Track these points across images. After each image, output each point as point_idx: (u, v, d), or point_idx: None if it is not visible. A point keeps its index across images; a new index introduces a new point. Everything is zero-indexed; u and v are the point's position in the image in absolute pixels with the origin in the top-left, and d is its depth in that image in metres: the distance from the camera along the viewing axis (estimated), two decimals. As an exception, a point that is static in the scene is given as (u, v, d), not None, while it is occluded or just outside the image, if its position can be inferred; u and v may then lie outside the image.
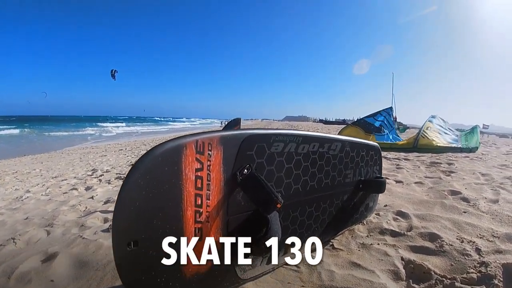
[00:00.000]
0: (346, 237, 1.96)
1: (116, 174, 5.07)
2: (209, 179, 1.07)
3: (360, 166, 1.94)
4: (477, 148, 7.52)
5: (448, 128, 9.18)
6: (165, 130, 36.73)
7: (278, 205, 1.11)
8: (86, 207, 2.99)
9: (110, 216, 2.55)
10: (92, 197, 3.36)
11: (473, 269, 1.51)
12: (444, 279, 1.44)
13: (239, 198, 1.20)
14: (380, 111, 10.48)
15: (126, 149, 11.76)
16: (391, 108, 10.90)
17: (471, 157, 6.15)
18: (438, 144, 7.66)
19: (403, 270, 1.52)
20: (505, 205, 2.56)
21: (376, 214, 2.34)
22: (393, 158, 6.04)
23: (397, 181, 3.75)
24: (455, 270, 1.52)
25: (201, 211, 1.06)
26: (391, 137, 9.72)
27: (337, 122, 50.41)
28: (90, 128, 33.85)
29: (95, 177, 4.92)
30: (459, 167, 4.72)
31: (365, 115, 10.57)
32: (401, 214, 2.33)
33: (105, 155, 9.26)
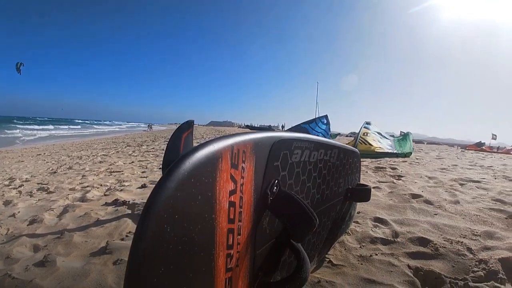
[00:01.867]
0: (339, 250, 1.91)
1: (38, 184, 4.37)
2: (241, 204, 0.79)
3: (348, 174, 1.85)
4: (411, 153, 8.18)
5: (383, 134, 9.84)
6: (89, 133, 33.80)
7: (314, 228, 0.90)
8: (8, 230, 2.42)
9: (41, 242, 2.11)
10: (13, 215, 2.77)
11: (476, 268, 1.59)
12: (457, 281, 1.49)
13: (265, 225, 0.95)
14: (315, 119, 10.84)
15: (44, 153, 10.46)
16: (326, 116, 11.32)
17: (409, 162, 6.63)
18: (377, 150, 8.14)
19: (416, 279, 1.53)
20: (467, 205, 2.76)
21: (355, 222, 2.31)
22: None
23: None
24: (460, 271, 1.59)
25: (232, 253, 0.77)
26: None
27: (263, 128, 52.01)
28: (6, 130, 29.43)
29: (13, 188, 4.16)
30: (403, 171, 5.02)
31: (302, 122, 10.83)
32: (379, 220, 2.37)
33: (22, 161, 8.09)
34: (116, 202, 2.72)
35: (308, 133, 10.27)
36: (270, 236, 0.97)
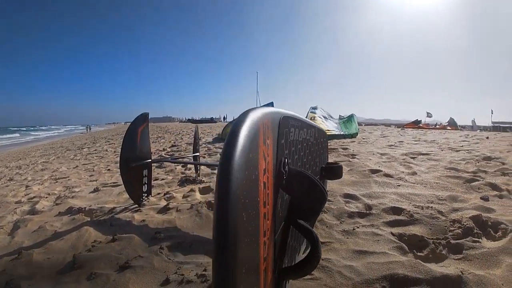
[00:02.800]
0: (321, 228, 1.99)
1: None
2: (268, 185, 0.71)
3: (321, 153, 1.88)
4: (357, 134, 8.58)
5: (330, 117, 10.20)
6: (25, 141, 30.02)
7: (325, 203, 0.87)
8: None
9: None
10: None
11: (452, 227, 1.75)
12: (439, 240, 1.61)
13: (279, 207, 0.87)
14: (262, 106, 11.00)
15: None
16: (272, 103, 11.51)
17: (357, 142, 6.98)
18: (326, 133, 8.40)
19: (403, 244, 1.63)
20: (424, 175, 3.00)
21: (327, 200, 2.34)
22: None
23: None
24: (439, 232, 1.73)
25: (265, 241, 0.70)
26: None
27: (205, 121, 51.63)
28: None
29: None
30: (355, 150, 5.28)
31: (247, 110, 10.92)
32: (349, 196, 2.47)
33: None
34: (70, 211, 2.49)
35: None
36: (281, 219, 0.91)
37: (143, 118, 2.61)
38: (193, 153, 3.49)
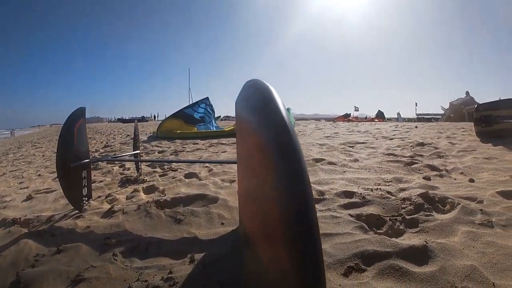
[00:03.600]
0: None
1: None
2: None
3: None
4: (293, 126, 8.83)
5: None
6: None
7: None
8: None
9: None
10: None
11: (404, 204, 1.87)
12: (395, 217, 1.71)
13: None
14: (198, 102, 10.86)
15: None
16: (207, 98, 11.36)
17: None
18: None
19: (363, 223, 1.68)
20: (366, 161, 3.18)
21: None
22: (232, 143, 6.32)
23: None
24: (392, 210, 1.83)
25: None
26: (214, 127, 10.26)
27: (133, 120, 50.10)
28: None
29: None
30: None
31: (183, 107, 10.68)
32: None
33: None
34: (4, 223, 2.13)
35: (194, 117, 10.17)
36: None
37: (80, 113, 2.35)
38: (134, 151, 3.26)
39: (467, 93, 23.20)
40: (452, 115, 21.06)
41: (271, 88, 0.79)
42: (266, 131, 0.67)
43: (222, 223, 1.80)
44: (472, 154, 3.49)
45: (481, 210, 1.75)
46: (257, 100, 0.82)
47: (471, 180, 2.35)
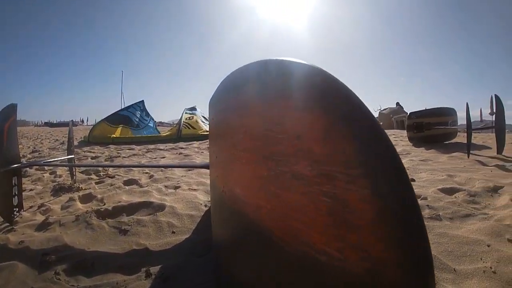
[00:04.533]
0: None
1: None
2: None
3: None
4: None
5: (200, 113, 10.31)
6: None
7: None
8: None
9: None
10: None
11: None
12: None
13: None
14: (133, 105, 10.46)
15: None
16: (142, 101, 11.00)
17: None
18: (201, 133, 8.52)
19: None
20: None
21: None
22: (170, 149, 6.17)
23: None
24: None
25: None
26: (149, 131, 9.94)
27: (65, 124, 46.92)
28: None
29: None
30: None
31: (117, 110, 10.24)
32: None
33: None
34: None
35: (130, 119, 9.74)
36: None
37: (11, 111, 2.09)
38: (68, 156, 2.98)
39: (397, 103, 24.96)
40: (382, 123, 22.63)
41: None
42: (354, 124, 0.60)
43: (173, 232, 1.74)
44: (407, 157, 3.86)
45: (428, 205, 1.96)
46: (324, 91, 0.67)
47: (412, 180, 2.61)
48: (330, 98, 0.59)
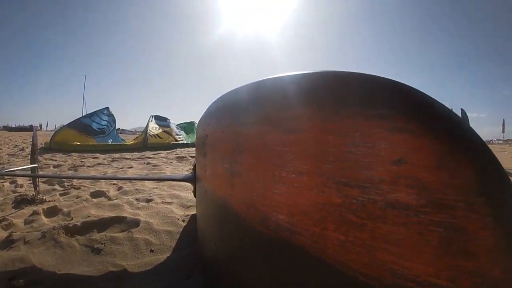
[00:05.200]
0: None
1: None
2: None
3: None
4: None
5: (174, 125, 10.08)
6: None
7: None
8: None
9: None
10: None
11: None
12: None
13: None
14: (97, 111, 10.04)
15: None
16: (107, 108, 10.61)
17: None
18: (171, 142, 8.33)
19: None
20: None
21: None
22: (137, 158, 5.96)
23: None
24: None
25: None
26: (114, 139, 9.57)
27: (23, 128, 44.67)
28: None
29: None
30: None
31: (81, 116, 9.81)
32: None
33: None
34: None
35: (91, 127, 9.35)
36: None
37: None
38: (31, 165, 2.77)
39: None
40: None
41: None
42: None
43: (152, 250, 1.64)
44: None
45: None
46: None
47: None
48: (441, 120, 0.55)
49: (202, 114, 1.43)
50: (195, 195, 1.86)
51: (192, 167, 4.60)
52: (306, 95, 0.78)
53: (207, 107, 1.32)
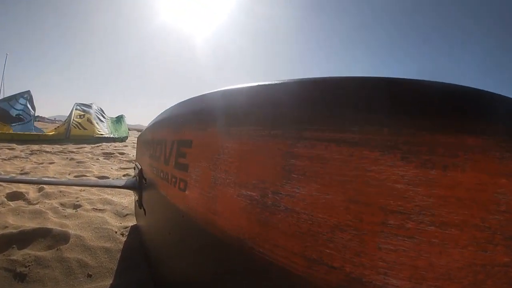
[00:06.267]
0: None
1: None
2: None
3: None
4: (127, 137, 8.25)
5: (103, 117, 9.22)
6: None
7: None
8: None
9: None
10: None
11: None
12: None
13: None
14: (16, 95, 8.77)
15: None
16: (28, 91, 9.30)
17: (131, 146, 6.71)
18: (96, 135, 7.67)
19: None
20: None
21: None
22: (59, 152, 5.37)
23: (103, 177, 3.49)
24: None
25: None
26: (33, 128, 8.47)
27: None
28: None
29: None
30: (131, 154, 5.08)
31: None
32: None
33: None
34: None
35: (9, 112, 8.15)
36: None
37: None
38: None
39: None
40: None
41: None
42: None
43: (89, 275, 1.40)
44: None
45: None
46: None
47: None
48: None
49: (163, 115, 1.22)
50: (140, 206, 1.64)
51: (121, 165, 4.27)
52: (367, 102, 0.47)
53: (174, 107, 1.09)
